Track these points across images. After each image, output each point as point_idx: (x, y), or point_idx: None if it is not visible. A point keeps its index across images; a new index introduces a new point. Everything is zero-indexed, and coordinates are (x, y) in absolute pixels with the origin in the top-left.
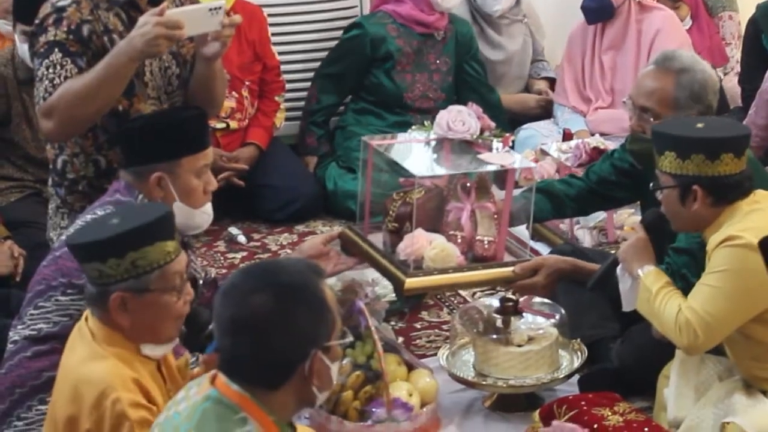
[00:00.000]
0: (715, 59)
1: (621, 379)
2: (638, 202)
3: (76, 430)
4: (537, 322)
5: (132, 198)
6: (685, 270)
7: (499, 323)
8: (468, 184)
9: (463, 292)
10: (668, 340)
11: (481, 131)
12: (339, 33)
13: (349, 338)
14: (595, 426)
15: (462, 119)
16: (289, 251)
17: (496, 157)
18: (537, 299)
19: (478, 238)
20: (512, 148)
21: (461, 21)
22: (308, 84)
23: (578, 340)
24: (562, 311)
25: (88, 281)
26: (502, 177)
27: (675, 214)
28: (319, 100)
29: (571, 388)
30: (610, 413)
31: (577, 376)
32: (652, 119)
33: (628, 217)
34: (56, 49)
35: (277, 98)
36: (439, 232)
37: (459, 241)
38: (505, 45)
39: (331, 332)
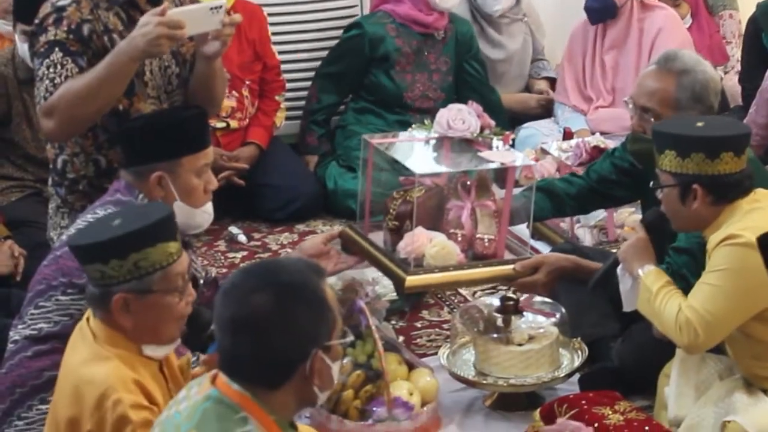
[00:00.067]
0: (715, 58)
1: (621, 378)
2: (639, 201)
3: (77, 431)
4: (537, 321)
5: (132, 197)
6: (685, 270)
7: (499, 322)
8: (468, 183)
9: (463, 291)
10: (669, 339)
11: (481, 129)
12: (339, 32)
13: (350, 337)
14: (596, 425)
15: (462, 117)
16: (289, 250)
17: (497, 155)
18: (537, 298)
19: (478, 236)
20: (512, 146)
21: (461, 20)
22: (309, 83)
23: (579, 339)
24: (563, 310)
25: (90, 282)
26: (502, 175)
27: (675, 213)
28: (319, 100)
29: (572, 387)
30: (610, 412)
31: (577, 375)
32: (652, 119)
33: (629, 216)
34: (57, 49)
35: (277, 97)
36: (439, 231)
37: (459, 239)
38: (506, 44)
39: (332, 331)
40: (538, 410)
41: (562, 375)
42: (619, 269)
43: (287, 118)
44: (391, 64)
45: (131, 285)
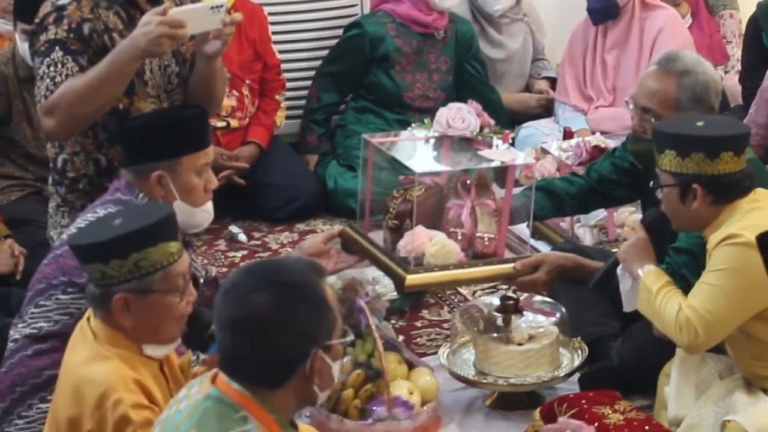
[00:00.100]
0: (715, 57)
1: (621, 378)
2: (639, 201)
3: (78, 430)
4: (537, 321)
5: (132, 196)
6: (685, 270)
7: (499, 322)
8: (468, 181)
9: (463, 291)
10: (669, 338)
11: (481, 128)
12: (339, 32)
13: (350, 337)
14: (596, 424)
15: (462, 116)
16: (289, 250)
17: (496, 153)
18: (537, 298)
19: (478, 235)
20: (512, 145)
21: (462, 20)
22: (309, 83)
23: (579, 338)
24: (563, 310)
25: (90, 282)
26: (502, 174)
27: (675, 212)
28: (319, 99)
29: (572, 387)
30: (610, 411)
31: (577, 375)
32: (653, 120)
33: (629, 216)
34: (57, 47)
35: (277, 97)
36: (439, 230)
37: (459, 238)
38: (506, 44)
39: (332, 331)
40: (538, 410)
41: (562, 374)
42: (619, 269)
43: (287, 118)
44: (391, 64)
45: (132, 285)
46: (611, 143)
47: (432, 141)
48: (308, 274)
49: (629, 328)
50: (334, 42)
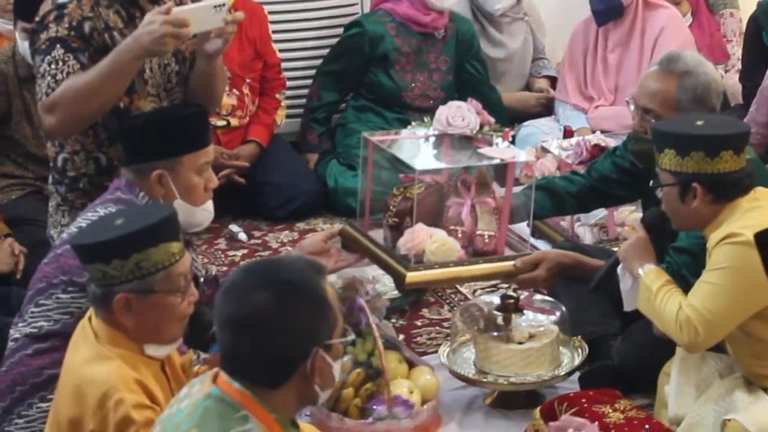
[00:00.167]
0: (715, 56)
1: (622, 377)
2: (639, 200)
3: (79, 431)
4: (538, 320)
5: (133, 195)
6: (685, 270)
7: (499, 320)
8: (468, 180)
9: (464, 290)
10: (669, 337)
11: (481, 126)
12: (340, 30)
13: (351, 336)
14: (596, 423)
15: (461, 115)
16: (289, 248)
17: (496, 151)
18: (538, 296)
19: (478, 232)
20: (512, 143)
21: (462, 19)
22: (309, 81)
23: (579, 337)
24: (563, 308)
25: (92, 282)
26: (502, 173)
27: (675, 211)
28: (319, 97)
29: (572, 386)
30: (610, 410)
31: (577, 374)
32: (654, 120)
33: (629, 215)
34: (58, 45)
35: (277, 96)
36: (439, 228)
37: (459, 235)
38: (506, 43)
39: (333, 330)
40: (539, 409)
41: (563, 373)
42: (619, 269)
43: (288, 116)
44: (390, 63)
45: (133, 285)
46: (611, 142)
47: (432, 139)
48: (309, 273)
49: (629, 327)
50: (334, 41)
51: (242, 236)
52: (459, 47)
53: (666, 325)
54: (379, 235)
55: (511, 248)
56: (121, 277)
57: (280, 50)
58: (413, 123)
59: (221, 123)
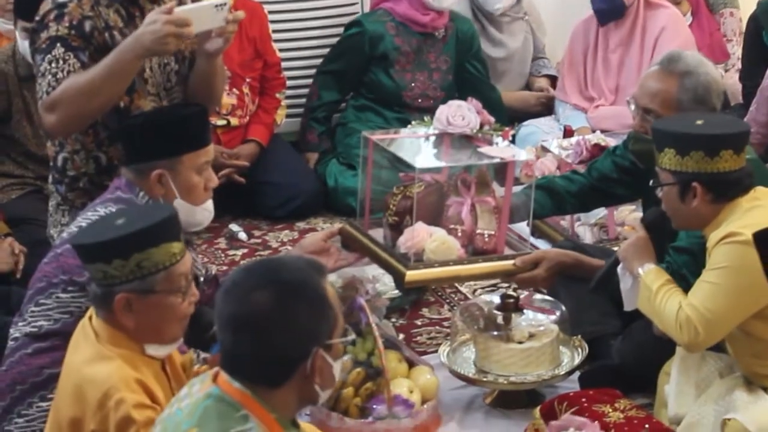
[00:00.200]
0: (715, 56)
1: (622, 376)
2: (640, 200)
3: (80, 431)
4: (538, 319)
5: (133, 195)
6: (684, 270)
7: (499, 320)
8: (468, 179)
9: (464, 289)
10: (669, 337)
11: (481, 126)
12: (340, 30)
13: (352, 336)
14: (596, 423)
15: (461, 114)
16: (289, 248)
17: (496, 150)
18: (538, 296)
19: (478, 231)
20: (512, 142)
21: (463, 19)
22: (309, 81)
23: (579, 336)
24: (563, 308)
25: (92, 281)
26: (502, 172)
27: (675, 211)
28: (320, 97)
29: (572, 385)
30: (610, 410)
31: (577, 373)
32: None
33: (629, 214)
34: (58, 44)
35: (277, 95)
36: (439, 227)
37: (459, 234)
38: (507, 42)
39: (333, 330)
40: (539, 408)
41: (563, 373)
42: (619, 268)
43: (288, 116)
44: (390, 63)
45: (134, 285)
46: (611, 141)
47: (432, 138)
48: (309, 273)
49: (629, 327)
50: (334, 40)
51: (242, 235)
52: (459, 47)
53: (666, 324)
54: (379, 234)
55: (511, 247)
56: (122, 277)
57: (281, 50)
58: (413, 122)
59: (221, 122)
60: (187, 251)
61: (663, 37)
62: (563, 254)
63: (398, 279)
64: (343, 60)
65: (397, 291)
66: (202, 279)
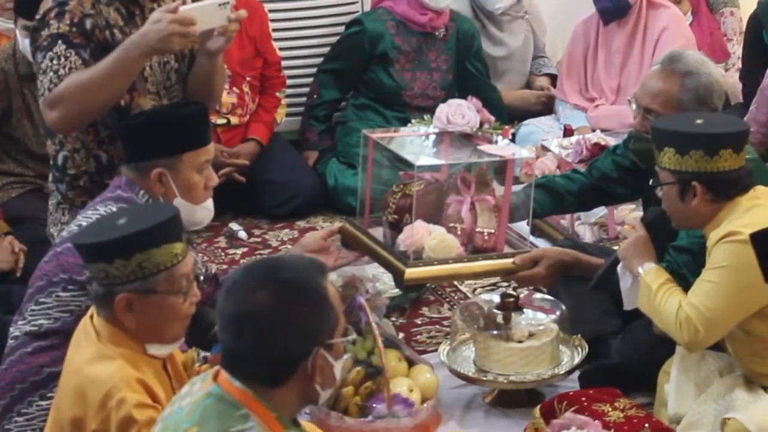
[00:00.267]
0: (716, 55)
1: (621, 375)
2: (640, 199)
3: (82, 431)
4: (538, 318)
5: (133, 194)
6: (684, 269)
7: (499, 319)
8: (468, 177)
9: (463, 288)
10: (669, 336)
11: (481, 124)
12: (340, 29)
13: (352, 335)
14: (597, 422)
15: (461, 112)
16: (289, 247)
17: (496, 148)
18: (538, 295)
19: (478, 230)
20: (512, 141)
21: (463, 18)
22: (309, 80)
23: (579, 335)
24: (563, 307)
25: (94, 281)
26: (502, 171)
27: (675, 210)
28: (320, 95)
29: (572, 384)
30: (610, 409)
31: (577, 372)
32: None
33: (629, 213)
34: (60, 41)
35: (278, 94)
36: (438, 225)
37: (459, 233)
38: (507, 41)
39: (334, 329)
40: (538, 407)
41: (562, 372)
42: (619, 267)
43: (288, 115)
44: (390, 62)
45: (135, 285)
46: (611, 141)
47: (432, 137)
48: (310, 272)
49: (629, 326)
50: (334, 39)
51: (242, 234)
52: (460, 46)
53: (666, 323)
54: (378, 232)
55: (511, 246)
56: (123, 277)
57: (281, 48)
58: (413, 121)
59: (221, 121)
60: (189, 252)
61: (664, 37)
62: (563, 253)
63: (398, 277)
64: (343, 59)
65: (397, 290)
66: (201, 278)
